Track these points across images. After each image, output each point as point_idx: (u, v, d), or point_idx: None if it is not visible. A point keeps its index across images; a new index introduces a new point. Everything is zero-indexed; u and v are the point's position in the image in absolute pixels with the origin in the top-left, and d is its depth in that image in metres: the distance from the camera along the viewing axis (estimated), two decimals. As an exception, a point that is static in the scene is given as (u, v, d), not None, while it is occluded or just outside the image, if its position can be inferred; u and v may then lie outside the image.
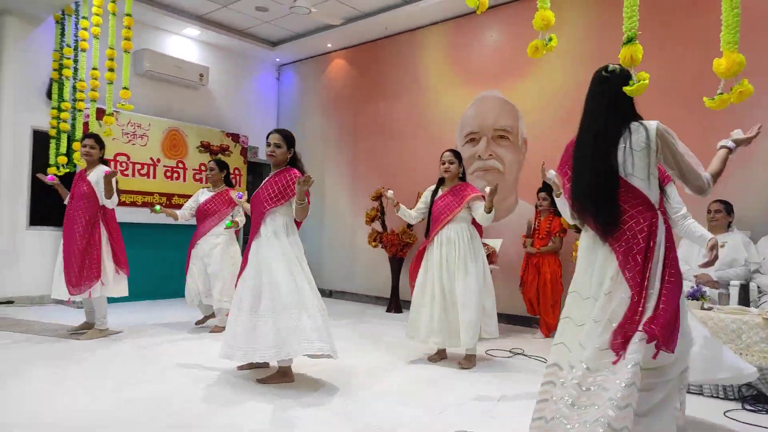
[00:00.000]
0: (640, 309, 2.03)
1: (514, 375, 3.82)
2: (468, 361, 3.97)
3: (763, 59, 4.36)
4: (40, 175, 4.92)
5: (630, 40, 2.13)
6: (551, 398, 2.16)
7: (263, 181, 3.59)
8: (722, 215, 4.36)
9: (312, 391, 3.31)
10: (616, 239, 2.14)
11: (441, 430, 2.69)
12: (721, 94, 2.05)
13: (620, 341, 2.01)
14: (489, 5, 6.27)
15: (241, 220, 5.03)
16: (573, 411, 2.01)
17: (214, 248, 4.97)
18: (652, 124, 2.16)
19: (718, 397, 3.32)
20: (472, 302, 3.87)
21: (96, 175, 4.57)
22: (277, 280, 3.30)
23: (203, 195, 5.14)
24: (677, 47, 4.99)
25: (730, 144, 2.35)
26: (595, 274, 2.17)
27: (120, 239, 4.70)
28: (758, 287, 4.04)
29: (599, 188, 2.16)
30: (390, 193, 4.07)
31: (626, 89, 2.12)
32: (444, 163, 4.11)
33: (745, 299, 3.99)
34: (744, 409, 3.14)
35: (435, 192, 4.21)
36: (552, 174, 2.48)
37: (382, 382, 3.55)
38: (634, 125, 2.18)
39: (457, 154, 4.17)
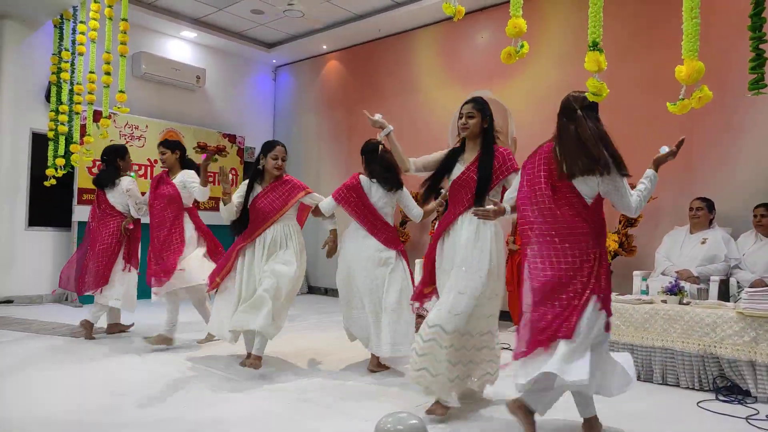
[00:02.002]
0: None
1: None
2: None
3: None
4: None
5: (594, 45, 2.22)
6: None
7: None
8: (704, 212, 4.46)
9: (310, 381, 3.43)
10: None
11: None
12: (683, 99, 2.15)
13: None
14: (480, 7, 6.47)
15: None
16: None
17: None
18: None
19: (693, 389, 3.42)
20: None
21: (180, 179, 4.46)
22: None
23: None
24: (664, 48, 5.09)
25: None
26: None
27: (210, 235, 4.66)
28: (738, 282, 4.13)
29: None
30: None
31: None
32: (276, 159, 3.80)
33: (725, 294, 4.10)
34: (718, 399, 3.24)
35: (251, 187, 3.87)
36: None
37: (366, 377, 3.66)
38: None
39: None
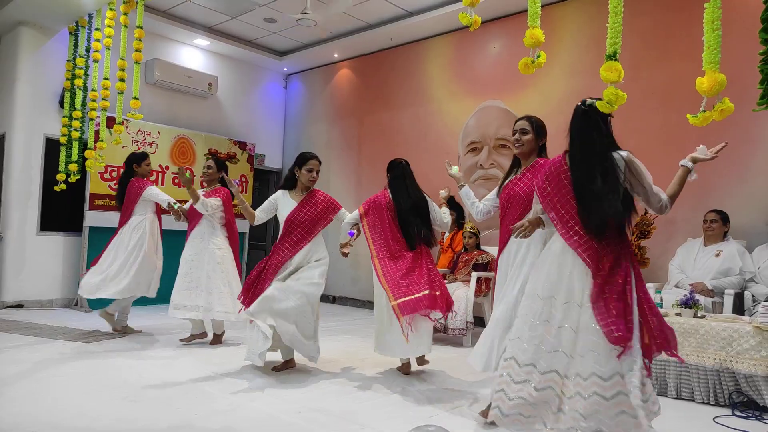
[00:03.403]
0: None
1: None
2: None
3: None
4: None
5: (614, 55, 2.21)
6: (507, 392, 2.32)
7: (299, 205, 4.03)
8: (718, 225, 4.42)
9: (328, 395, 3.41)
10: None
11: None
12: (704, 111, 2.14)
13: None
14: (492, 17, 6.48)
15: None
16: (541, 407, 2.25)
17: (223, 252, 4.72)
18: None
19: (708, 404, 3.37)
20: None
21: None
22: None
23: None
24: (678, 59, 5.08)
25: (689, 164, 2.46)
26: (567, 278, 2.35)
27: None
28: (753, 296, 4.09)
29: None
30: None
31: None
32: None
33: (739, 308, 4.05)
34: (734, 415, 3.19)
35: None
36: (455, 170, 3.35)
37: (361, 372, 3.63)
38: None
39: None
